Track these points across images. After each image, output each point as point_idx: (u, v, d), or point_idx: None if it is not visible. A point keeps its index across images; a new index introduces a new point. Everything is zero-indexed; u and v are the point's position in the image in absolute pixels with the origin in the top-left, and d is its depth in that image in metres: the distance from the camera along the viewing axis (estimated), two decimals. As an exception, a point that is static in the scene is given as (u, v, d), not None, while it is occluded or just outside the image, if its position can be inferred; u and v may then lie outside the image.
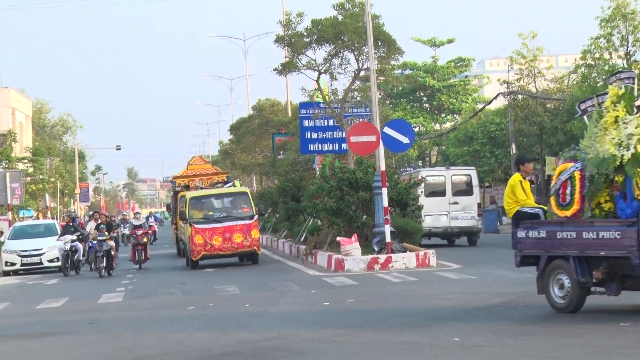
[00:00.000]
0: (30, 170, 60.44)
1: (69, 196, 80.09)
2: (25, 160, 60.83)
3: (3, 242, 35.06)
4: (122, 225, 47.18)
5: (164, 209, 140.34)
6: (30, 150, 63.85)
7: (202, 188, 32.87)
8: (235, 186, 33.64)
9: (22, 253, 32.05)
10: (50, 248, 31.95)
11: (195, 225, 27.80)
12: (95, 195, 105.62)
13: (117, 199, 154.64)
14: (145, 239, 31.26)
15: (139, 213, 35.20)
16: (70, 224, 31.06)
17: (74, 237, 29.87)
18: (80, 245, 30.04)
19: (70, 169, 77.74)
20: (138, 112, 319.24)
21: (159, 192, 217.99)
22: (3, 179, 41.50)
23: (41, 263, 31.96)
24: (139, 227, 31.97)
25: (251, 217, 28.27)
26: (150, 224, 50.71)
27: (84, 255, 30.71)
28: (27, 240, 32.72)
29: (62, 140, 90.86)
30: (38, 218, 54.65)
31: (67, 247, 29.52)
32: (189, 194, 30.11)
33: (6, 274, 32.29)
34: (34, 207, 59.29)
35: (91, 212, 38.69)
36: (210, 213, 28.87)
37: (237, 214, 28.59)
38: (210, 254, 27.87)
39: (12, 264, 32.21)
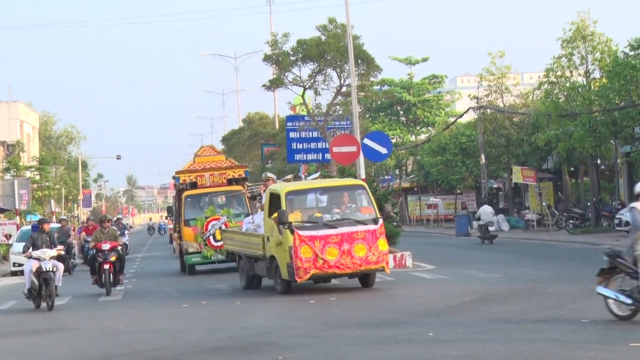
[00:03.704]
0: (37, 177, 60.07)
1: (73, 202, 79.73)
2: (32, 169, 60.41)
3: (11, 245, 34.87)
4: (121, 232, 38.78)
5: (161, 215, 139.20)
6: (37, 160, 63.47)
7: (273, 180, 21.50)
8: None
9: (29, 255, 31.83)
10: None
11: (300, 232, 17.48)
12: (97, 201, 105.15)
13: (117, 204, 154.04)
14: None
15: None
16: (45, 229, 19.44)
17: (53, 252, 18.73)
18: (60, 265, 18.87)
19: (74, 177, 77.41)
20: (137, 124, 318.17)
21: (156, 198, 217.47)
22: (12, 186, 41.29)
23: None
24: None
25: (375, 221, 18.09)
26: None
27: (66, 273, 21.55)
28: (34, 243, 32.48)
29: (66, 150, 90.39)
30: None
31: (47, 266, 18.26)
32: (282, 188, 19.00)
33: (14, 274, 32.10)
34: (40, 212, 58.89)
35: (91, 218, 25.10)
36: (318, 214, 18.44)
37: (355, 216, 18.28)
38: (323, 273, 17.63)
39: (19, 265, 31.96)
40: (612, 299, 12.13)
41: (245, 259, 20.29)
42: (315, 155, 36.34)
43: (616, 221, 33.73)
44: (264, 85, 35.43)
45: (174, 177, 28.00)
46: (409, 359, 10.07)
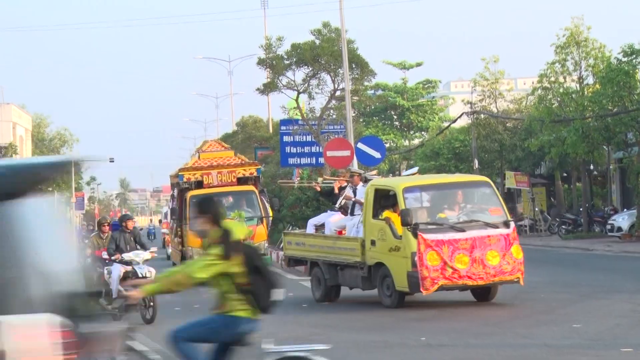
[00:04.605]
0: (30, 180, 60.01)
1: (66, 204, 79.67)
2: (25, 171, 60.32)
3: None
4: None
5: (151, 219, 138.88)
6: (30, 162, 63.49)
7: (358, 176, 17.95)
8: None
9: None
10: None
11: (425, 236, 14.80)
12: (89, 204, 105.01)
13: (110, 207, 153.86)
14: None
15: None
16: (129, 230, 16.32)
17: (147, 254, 15.97)
18: (154, 270, 16.05)
19: (67, 180, 77.35)
20: (130, 127, 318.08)
21: (148, 201, 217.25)
22: (4, 188, 41.24)
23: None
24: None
25: (507, 224, 15.38)
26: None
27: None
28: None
29: (59, 153, 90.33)
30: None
31: (142, 271, 15.57)
32: (397, 184, 16.26)
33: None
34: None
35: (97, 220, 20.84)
36: (442, 215, 15.67)
37: (484, 217, 15.59)
38: (453, 284, 14.84)
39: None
40: None
41: (325, 267, 16.98)
42: (308, 159, 36.36)
43: (608, 227, 33.81)
44: (257, 89, 35.48)
45: (177, 175, 25.38)
46: (402, 364, 10.08)
